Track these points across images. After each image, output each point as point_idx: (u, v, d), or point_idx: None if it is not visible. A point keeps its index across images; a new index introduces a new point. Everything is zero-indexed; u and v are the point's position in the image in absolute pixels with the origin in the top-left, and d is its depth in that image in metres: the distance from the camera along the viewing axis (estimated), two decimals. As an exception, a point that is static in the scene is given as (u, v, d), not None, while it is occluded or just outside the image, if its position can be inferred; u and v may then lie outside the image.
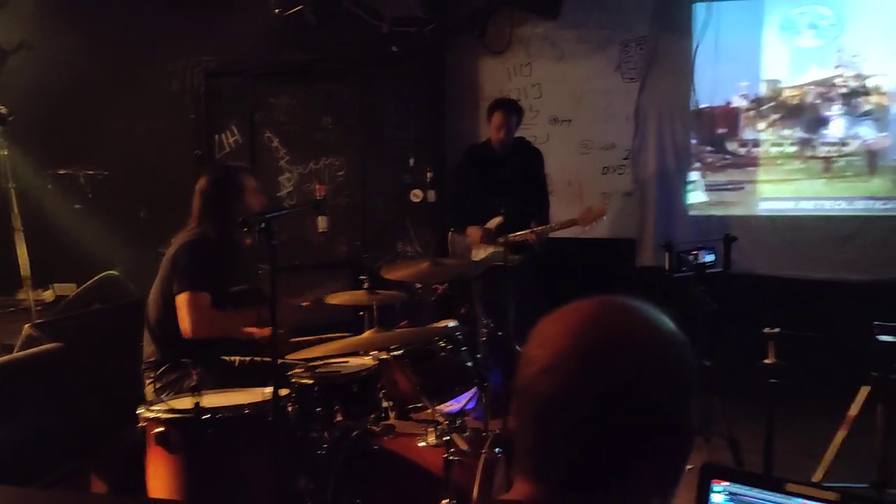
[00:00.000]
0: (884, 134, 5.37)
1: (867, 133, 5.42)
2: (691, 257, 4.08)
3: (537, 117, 5.87)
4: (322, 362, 3.36)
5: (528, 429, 0.96)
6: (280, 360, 3.08)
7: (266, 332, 3.06)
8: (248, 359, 3.48)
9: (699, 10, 5.54)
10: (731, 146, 5.68)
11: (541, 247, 4.68)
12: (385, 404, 3.31)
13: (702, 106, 5.65)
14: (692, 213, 5.73)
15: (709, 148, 5.72)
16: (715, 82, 5.61)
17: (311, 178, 5.82)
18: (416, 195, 5.65)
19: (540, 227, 4.65)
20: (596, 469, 0.92)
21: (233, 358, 3.45)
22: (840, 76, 5.41)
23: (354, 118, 5.88)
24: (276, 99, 5.96)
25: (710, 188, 5.73)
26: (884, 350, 3.22)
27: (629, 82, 5.75)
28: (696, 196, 5.74)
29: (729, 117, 5.68)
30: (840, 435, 3.41)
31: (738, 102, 5.64)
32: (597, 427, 0.91)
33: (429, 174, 4.51)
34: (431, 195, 4.66)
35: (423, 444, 3.01)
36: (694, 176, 5.75)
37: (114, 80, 6.02)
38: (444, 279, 3.96)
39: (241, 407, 2.72)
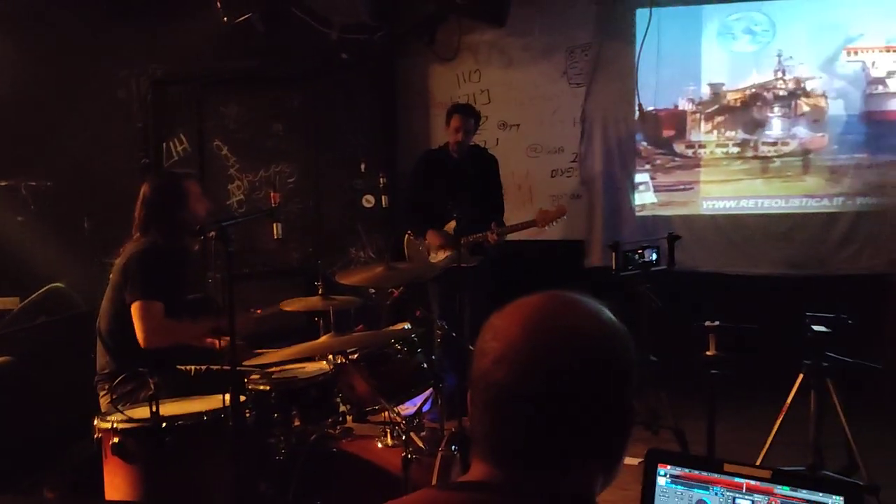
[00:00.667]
0: (819, 134, 5.62)
1: (803, 134, 5.66)
2: (636, 256, 4.22)
3: (486, 122, 5.95)
4: (279, 368, 3.39)
5: (484, 415, 1.03)
6: (236, 367, 3.09)
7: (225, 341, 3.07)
8: (204, 367, 3.47)
9: (641, 17, 5.71)
10: (679, 148, 5.87)
11: (496, 249, 4.80)
12: (342, 408, 3.35)
13: (648, 109, 5.82)
14: (639, 213, 5.90)
15: (658, 150, 5.90)
16: (659, 87, 5.79)
17: (262, 185, 5.82)
18: (369, 200, 5.70)
19: (500, 228, 4.79)
20: (547, 449, 1.00)
21: (189, 367, 3.44)
22: (779, 79, 5.65)
23: (305, 125, 5.90)
24: (226, 107, 5.94)
25: (659, 189, 5.91)
26: (816, 339, 3.39)
27: (575, 87, 5.90)
28: (646, 197, 5.91)
29: (675, 120, 5.88)
30: (777, 422, 3.56)
31: (684, 106, 5.84)
32: (547, 410, 0.99)
33: (382, 179, 4.55)
34: (384, 200, 4.68)
35: (380, 444, 3.07)
36: (644, 178, 5.92)
37: (58, 89, 5.91)
38: (399, 283, 4.02)
39: (199, 414, 2.73)
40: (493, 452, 1.03)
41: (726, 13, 5.67)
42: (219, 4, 4.99)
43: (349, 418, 3.35)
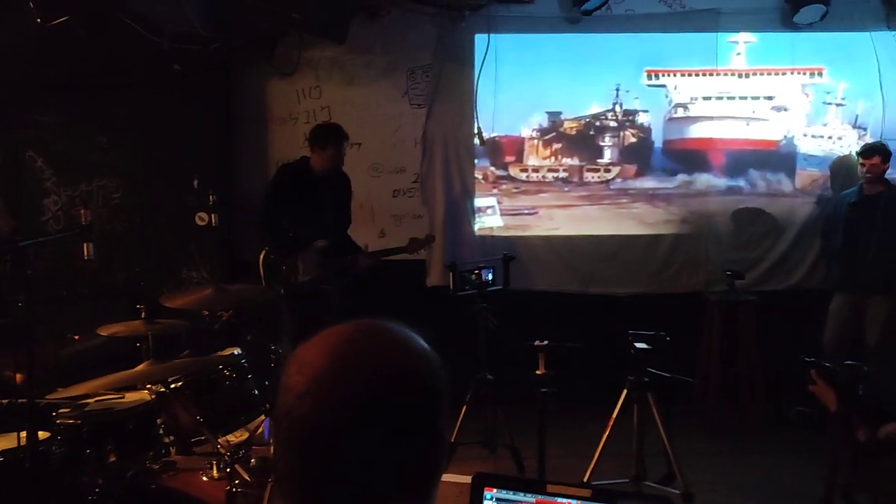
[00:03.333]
0: (632, 165, 6.01)
1: (630, 162, 6.03)
2: (473, 276, 4.29)
3: (327, 140, 5.88)
4: (94, 400, 3.13)
5: (288, 452, 0.97)
6: (42, 401, 2.82)
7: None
8: (5, 401, 3.14)
9: (480, 42, 5.85)
10: (514, 172, 6.05)
11: (363, 272, 4.75)
12: (166, 440, 3.15)
13: (491, 135, 5.96)
14: (478, 233, 6.02)
15: (500, 175, 6.06)
16: (497, 111, 5.94)
17: (83, 200, 5.39)
18: (202, 218, 5.41)
19: (371, 252, 4.83)
20: (353, 486, 0.95)
21: (-14, 402, 3.10)
22: (612, 110, 5.98)
23: (133, 137, 5.54)
24: (42, 115, 5.46)
25: (505, 213, 6.06)
26: (638, 356, 3.58)
27: (417, 108, 5.94)
28: (493, 220, 6.05)
29: (515, 146, 6.06)
30: (604, 436, 3.72)
31: (523, 132, 6.04)
32: (353, 445, 0.94)
33: (211, 197, 4.32)
34: (214, 218, 4.45)
35: (205, 478, 2.91)
36: (491, 201, 6.05)
37: None
38: (230, 305, 3.84)
39: (-8, 455, 2.46)
40: (297, 491, 0.97)
41: (566, 42, 5.92)
42: (31, 4, 4.59)
43: (173, 450, 3.16)
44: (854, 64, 5.86)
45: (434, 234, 5.43)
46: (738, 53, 5.93)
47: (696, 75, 5.97)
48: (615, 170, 6.02)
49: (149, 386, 3.02)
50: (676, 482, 3.65)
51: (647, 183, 6.02)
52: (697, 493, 3.82)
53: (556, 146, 6.06)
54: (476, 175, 6.03)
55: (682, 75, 5.97)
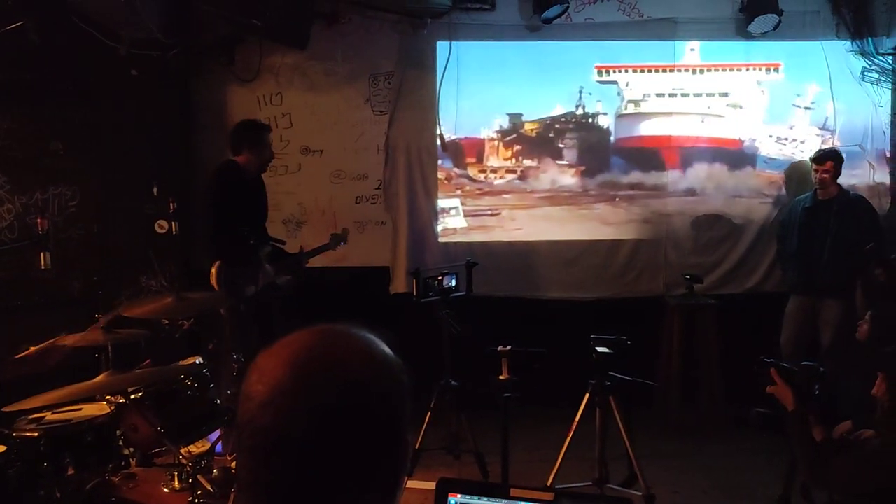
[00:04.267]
0: (582, 167, 6.09)
1: (591, 165, 6.10)
2: (436, 283, 4.30)
3: (288, 147, 5.85)
4: (50, 412, 3.07)
5: (250, 462, 0.97)
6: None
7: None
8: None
9: (442, 49, 5.88)
10: (478, 174, 6.09)
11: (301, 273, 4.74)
12: (126, 451, 3.10)
13: (453, 137, 5.99)
14: (442, 239, 6.03)
15: (462, 175, 6.08)
16: (460, 117, 5.97)
17: (37, 208, 5.27)
18: (162, 226, 5.35)
19: (306, 252, 4.78)
20: (318, 492, 0.95)
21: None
22: (576, 111, 6.04)
23: (90, 144, 5.43)
24: (-5, 121, 5.34)
25: (468, 214, 6.08)
26: (599, 360, 3.62)
27: (379, 115, 5.93)
28: (456, 222, 6.08)
29: (476, 148, 6.10)
30: (567, 440, 3.75)
31: (484, 134, 6.08)
32: (315, 454, 0.94)
33: (172, 204, 4.26)
34: (174, 227, 4.38)
35: (167, 489, 2.87)
36: (454, 202, 6.07)
37: None
38: (190, 314, 3.80)
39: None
40: (262, 500, 0.96)
41: (528, 49, 5.97)
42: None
43: (133, 462, 3.11)
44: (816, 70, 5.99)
45: (348, 228, 5.41)
46: (692, 49, 6.03)
47: (649, 71, 6.04)
48: (570, 171, 6.09)
49: (108, 397, 2.97)
50: (638, 484, 3.69)
51: (602, 179, 6.08)
52: (659, 495, 3.88)
53: (517, 147, 6.11)
54: (438, 175, 6.05)
55: (634, 71, 6.04)
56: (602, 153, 6.13)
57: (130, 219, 5.42)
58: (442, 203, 6.07)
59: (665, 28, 5.92)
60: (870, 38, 5.88)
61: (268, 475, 0.96)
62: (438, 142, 5.94)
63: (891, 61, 5.92)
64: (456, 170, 6.09)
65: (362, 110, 5.92)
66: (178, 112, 5.67)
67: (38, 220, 2.71)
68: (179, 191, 5.43)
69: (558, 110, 6.06)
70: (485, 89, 5.99)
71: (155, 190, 5.39)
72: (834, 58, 5.93)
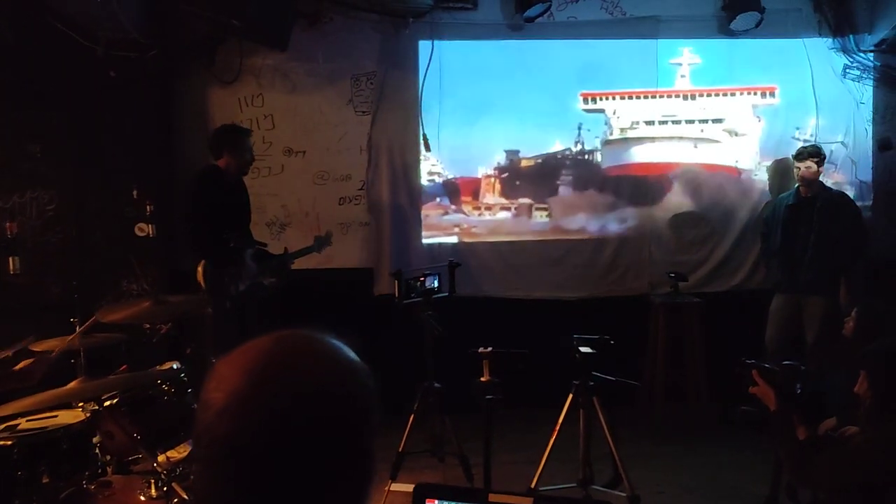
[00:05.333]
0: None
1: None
2: (418, 284, 4.26)
3: (271, 148, 5.79)
4: (25, 419, 3.02)
5: (206, 473, 0.93)
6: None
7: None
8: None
9: (424, 48, 5.84)
10: (467, 209, 6.07)
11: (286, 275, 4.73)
12: (102, 459, 3.05)
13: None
14: (426, 241, 5.99)
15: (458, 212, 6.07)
16: (442, 117, 5.93)
17: (12, 213, 5.19)
18: (142, 229, 5.29)
19: (290, 254, 4.77)
20: None
21: None
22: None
23: (68, 146, 5.36)
24: (-32, 123, 5.25)
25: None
26: (582, 360, 3.59)
27: (361, 115, 5.89)
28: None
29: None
30: (551, 442, 3.72)
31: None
32: (275, 463, 0.90)
33: (149, 207, 4.20)
34: (151, 229, 4.32)
35: (143, 497, 2.82)
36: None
37: None
38: (168, 318, 3.74)
39: None
40: None
41: (510, 48, 5.94)
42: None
43: (109, 470, 3.06)
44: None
45: (331, 231, 5.40)
46: (683, 76, 6.03)
47: (637, 98, 6.02)
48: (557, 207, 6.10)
49: (81, 404, 2.92)
50: (622, 485, 3.67)
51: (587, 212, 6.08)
52: (645, 495, 3.85)
53: (517, 183, 6.07)
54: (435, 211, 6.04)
55: (622, 98, 6.01)
56: (593, 183, 6.09)
57: (110, 222, 5.35)
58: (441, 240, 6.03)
59: (648, 26, 5.91)
60: (851, 36, 5.91)
61: (224, 486, 0.92)
62: (422, 141, 5.91)
63: (872, 58, 5.95)
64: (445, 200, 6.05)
65: (345, 111, 5.87)
66: (158, 114, 5.60)
67: (7, 225, 2.64)
68: (160, 193, 5.37)
69: (543, 112, 5.99)
70: (468, 88, 5.95)
71: (135, 193, 5.32)
72: (816, 55, 5.95)
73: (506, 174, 6.06)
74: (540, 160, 6.05)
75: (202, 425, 0.93)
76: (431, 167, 6.02)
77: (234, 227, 4.58)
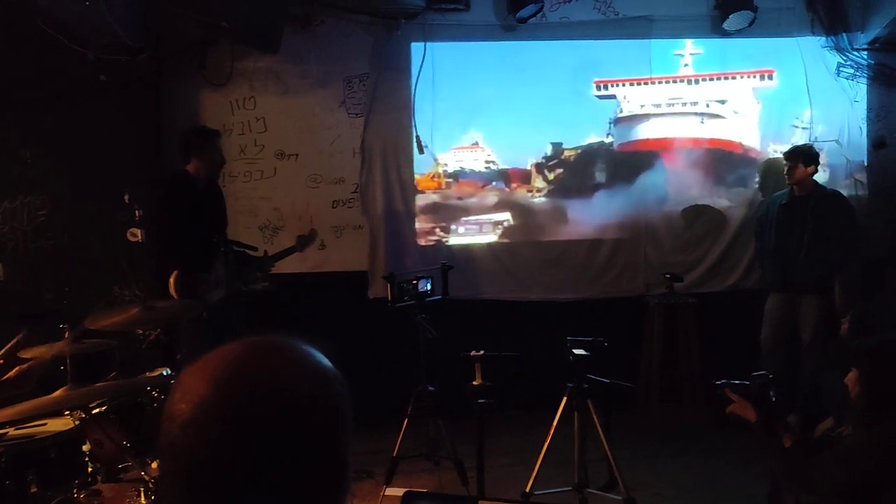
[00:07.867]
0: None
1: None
2: (411, 287, 4.23)
3: (263, 151, 5.77)
4: (13, 428, 2.99)
5: (172, 488, 0.90)
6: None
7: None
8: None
9: (416, 50, 5.82)
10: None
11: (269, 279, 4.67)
12: (91, 467, 3.02)
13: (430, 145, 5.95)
14: (420, 242, 5.97)
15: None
16: (436, 120, 5.91)
17: (4, 219, 5.17)
18: (134, 234, 5.26)
19: (271, 256, 4.70)
20: None
21: None
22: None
23: (59, 151, 5.33)
24: (-42, 129, 5.23)
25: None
26: (576, 362, 3.57)
27: (354, 117, 5.86)
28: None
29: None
30: (545, 444, 3.69)
31: (466, 141, 6.02)
32: (244, 476, 0.87)
33: (137, 212, 4.16)
34: (140, 234, 4.28)
35: (132, 506, 2.79)
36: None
37: None
38: (157, 324, 3.71)
39: None
40: None
41: (502, 49, 5.92)
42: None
43: (99, 479, 3.03)
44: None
45: (315, 229, 5.32)
46: (686, 65, 6.04)
47: (645, 83, 6.03)
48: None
49: (66, 412, 2.89)
50: (618, 488, 3.64)
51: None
52: (642, 497, 3.83)
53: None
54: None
55: (632, 84, 6.02)
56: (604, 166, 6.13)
57: (102, 227, 5.32)
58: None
59: (640, 26, 5.89)
60: (844, 34, 5.90)
61: (191, 501, 0.89)
62: (415, 143, 5.88)
63: (865, 56, 5.94)
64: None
65: (337, 113, 5.85)
66: (150, 117, 5.57)
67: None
68: (150, 198, 5.34)
69: (538, 112, 5.98)
70: (461, 90, 5.93)
71: (127, 197, 5.30)
72: (809, 54, 5.93)
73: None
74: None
75: (167, 438, 0.90)
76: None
77: (208, 232, 4.40)
